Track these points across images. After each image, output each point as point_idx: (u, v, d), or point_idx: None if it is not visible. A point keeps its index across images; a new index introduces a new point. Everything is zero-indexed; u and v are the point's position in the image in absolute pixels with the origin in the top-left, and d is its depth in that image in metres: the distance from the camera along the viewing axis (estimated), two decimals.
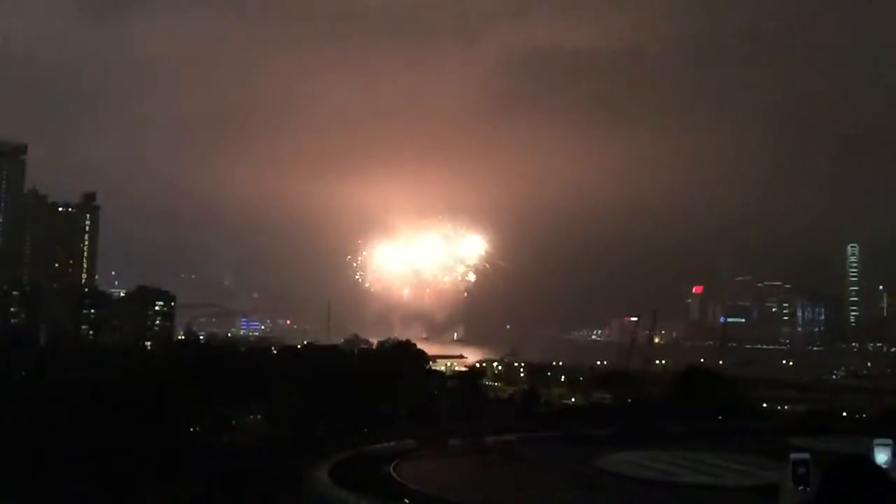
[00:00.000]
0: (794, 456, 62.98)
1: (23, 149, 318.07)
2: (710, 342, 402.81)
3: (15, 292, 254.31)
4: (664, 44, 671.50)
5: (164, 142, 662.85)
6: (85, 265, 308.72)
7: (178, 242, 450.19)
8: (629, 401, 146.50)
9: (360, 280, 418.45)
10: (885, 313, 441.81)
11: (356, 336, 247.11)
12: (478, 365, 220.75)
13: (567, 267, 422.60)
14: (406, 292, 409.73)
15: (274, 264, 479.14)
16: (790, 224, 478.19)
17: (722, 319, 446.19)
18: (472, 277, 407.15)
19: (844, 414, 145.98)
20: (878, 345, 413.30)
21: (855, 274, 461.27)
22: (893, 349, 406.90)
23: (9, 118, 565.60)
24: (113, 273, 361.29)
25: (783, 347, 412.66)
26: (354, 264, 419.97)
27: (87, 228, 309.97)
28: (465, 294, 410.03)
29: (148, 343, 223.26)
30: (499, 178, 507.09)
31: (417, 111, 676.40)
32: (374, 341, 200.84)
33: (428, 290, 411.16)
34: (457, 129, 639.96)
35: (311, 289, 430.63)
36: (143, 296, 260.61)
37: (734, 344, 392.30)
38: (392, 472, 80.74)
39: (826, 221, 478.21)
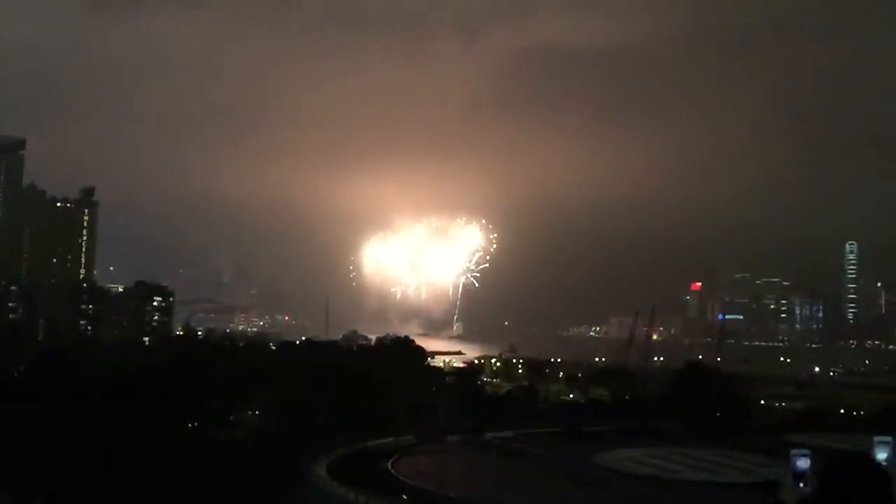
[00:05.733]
0: (794, 452, 63.26)
1: (21, 144, 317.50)
2: (709, 339, 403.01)
3: (13, 287, 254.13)
4: (664, 42, 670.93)
5: (164, 138, 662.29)
6: (83, 260, 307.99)
7: (176, 238, 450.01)
8: (627, 398, 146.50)
9: (358, 277, 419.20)
10: (883, 311, 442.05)
11: (355, 332, 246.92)
12: (476, 361, 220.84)
13: (565, 264, 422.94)
14: (404, 289, 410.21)
15: (272, 261, 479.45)
16: (789, 222, 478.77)
17: (720, 317, 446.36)
18: (470, 274, 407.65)
19: (842, 411, 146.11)
20: (876, 342, 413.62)
21: (853, 272, 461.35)
22: (891, 346, 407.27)
23: (8, 113, 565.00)
24: (111, 268, 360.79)
25: (781, 345, 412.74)
26: (353, 261, 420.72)
27: (85, 224, 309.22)
28: (463, 291, 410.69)
29: (146, 338, 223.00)
30: (497, 176, 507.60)
31: (416, 109, 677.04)
32: (373, 338, 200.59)
33: (426, 286, 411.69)
34: (455, 127, 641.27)
35: (310, 285, 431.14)
36: (142, 291, 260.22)
37: (732, 341, 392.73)
38: (390, 468, 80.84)
39: (825, 219, 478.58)
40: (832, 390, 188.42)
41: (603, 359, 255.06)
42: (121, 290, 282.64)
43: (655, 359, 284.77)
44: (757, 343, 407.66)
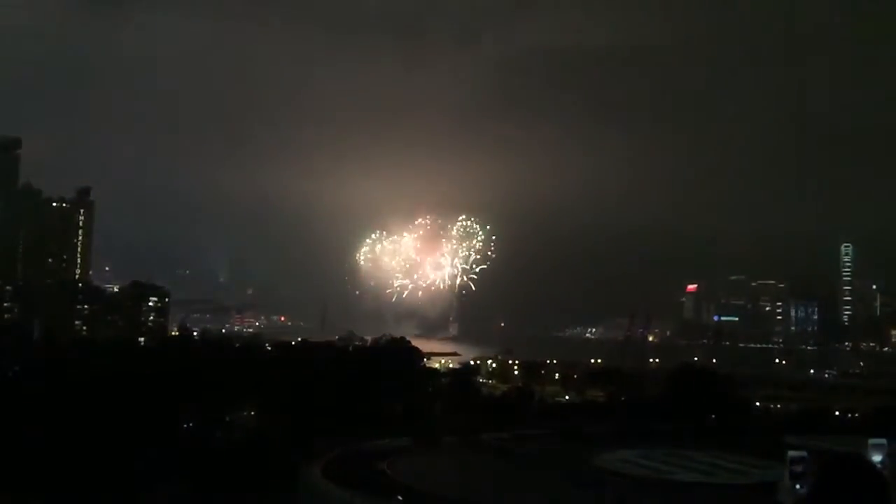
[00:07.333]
0: (791, 454, 63.33)
1: (17, 143, 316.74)
2: (704, 341, 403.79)
3: (8, 287, 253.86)
4: (664, 44, 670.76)
5: (160, 137, 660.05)
6: (79, 260, 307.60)
7: (172, 238, 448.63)
8: (623, 399, 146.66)
9: (354, 277, 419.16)
10: (878, 313, 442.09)
11: (351, 333, 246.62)
12: (472, 362, 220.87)
13: (561, 265, 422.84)
14: (400, 290, 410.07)
15: (269, 261, 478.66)
16: (785, 223, 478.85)
17: (716, 318, 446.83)
18: (467, 276, 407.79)
19: (837, 413, 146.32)
20: (871, 344, 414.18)
21: (848, 273, 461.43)
22: (886, 349, 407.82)
23: (3, 112, 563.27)
24: (107, 268, 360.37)
25: (776, 346, 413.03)
26: (349, 262, 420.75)
27: (81, 223, 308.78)
28: (461, 292, 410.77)
29: (142, 339, 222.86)
30: (495, 177, 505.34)
31: (414, 110, 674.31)
32: (369, 338, 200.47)
33: (422, 287, 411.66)
34: (452, 128, 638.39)
35: (306, 286, 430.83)
36: (138, 291, 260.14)
37: (727, 343, 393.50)
38: (386, 468, 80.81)
39: (820, 221, 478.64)
40: (827, 392, 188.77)
41: (599, 360, 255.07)
42: (116, 290, 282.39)
43: (651, 360, 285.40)
44: (752, 345, 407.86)
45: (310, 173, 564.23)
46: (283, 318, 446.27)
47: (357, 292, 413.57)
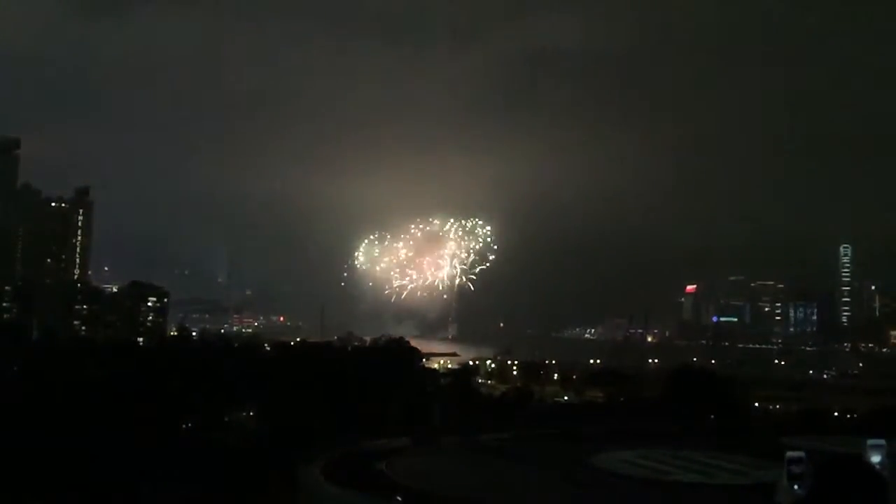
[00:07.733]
0: (789, 454, 63.19)
1: (16, 143, 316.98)
2: (703, 341, 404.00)
3: (7, 287, 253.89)
4: (663, 44, 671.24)
5: (159, 137, 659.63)
6: (78, 260, 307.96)
7: (171, 238, 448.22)
8: (622, 399, 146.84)
9: (353, 278, 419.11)
10: (877, 314, 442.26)
11: (350, 333, 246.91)
12: (471, 363, 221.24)
13: (561, 265, 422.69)
14: (399, 290, 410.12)
15: (267, 261, 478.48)
16: (784, 223, 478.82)
17: (715, 319, 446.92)
18: (466, 276, 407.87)
19: (836, 414, 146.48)
20: (870, 345, 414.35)
21: (847, 274, 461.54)
22: (885, 349, 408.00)
23: (2, 112, 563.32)
24: (106, 268, 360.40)
25: (775, 347, 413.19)
26: (348, 262, 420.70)
27: (80, 223, 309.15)
28: (459, 292, 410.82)
29: (140, 339, 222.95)
30: (494, 178, 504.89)
31: (412, 111, 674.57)
32: (368, 338, 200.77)
33: (421, 288, 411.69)
34: (451, 130, 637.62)
35: (305, 286, 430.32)
36: (136, 291, 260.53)
37: (727, 343, 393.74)
38: (385, 469, 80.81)
39: (819, 222, 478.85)
40: (826, 392, 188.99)
41: (598, 360, 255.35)
42: (115, 290, 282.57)
43: (650, 360, 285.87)
44: (752, 345, 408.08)
45: (309, 173, 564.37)
46: (282, 319, 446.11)
47: (356, 293, 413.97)
